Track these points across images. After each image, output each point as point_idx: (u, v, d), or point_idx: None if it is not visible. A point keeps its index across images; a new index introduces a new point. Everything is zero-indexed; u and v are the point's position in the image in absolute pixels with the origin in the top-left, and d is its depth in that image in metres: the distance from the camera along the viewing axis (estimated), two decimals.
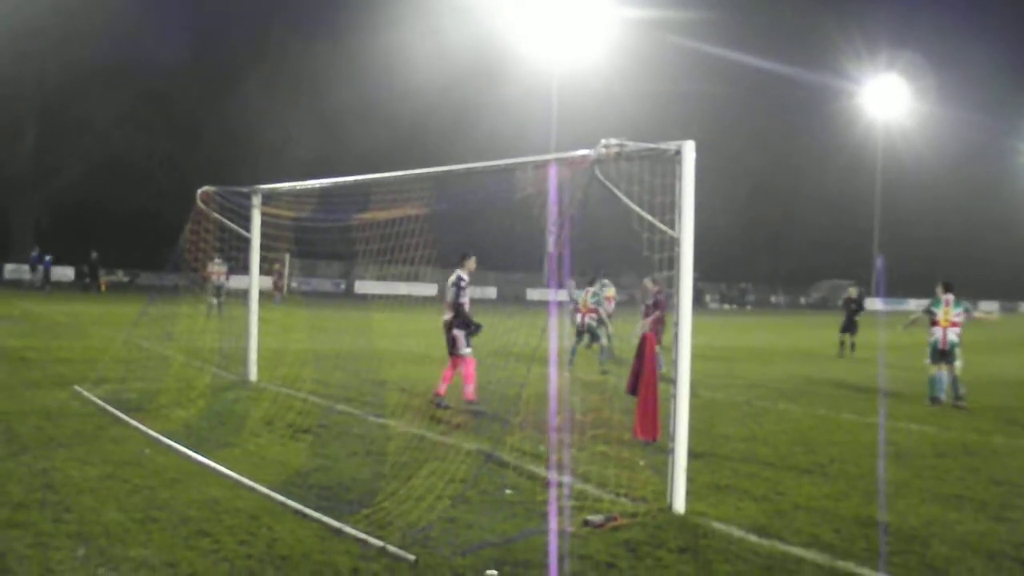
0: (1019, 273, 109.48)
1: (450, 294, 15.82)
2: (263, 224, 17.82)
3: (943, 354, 18.49)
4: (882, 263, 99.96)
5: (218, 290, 33.87)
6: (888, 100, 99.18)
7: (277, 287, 36.33)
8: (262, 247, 17.97)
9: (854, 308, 32.26)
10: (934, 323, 18.69)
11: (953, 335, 18.42)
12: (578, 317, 23.34)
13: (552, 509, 9.30)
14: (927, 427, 15.86)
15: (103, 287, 57.27)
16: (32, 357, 20.31)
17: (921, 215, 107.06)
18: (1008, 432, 15.66)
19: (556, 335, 22.26)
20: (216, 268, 33.01)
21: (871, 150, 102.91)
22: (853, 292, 34.19)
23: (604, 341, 23.26)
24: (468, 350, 15.70)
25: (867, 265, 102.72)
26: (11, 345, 22.63)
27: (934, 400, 18.48)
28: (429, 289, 63.30)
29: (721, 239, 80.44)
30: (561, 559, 7.86)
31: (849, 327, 31.79)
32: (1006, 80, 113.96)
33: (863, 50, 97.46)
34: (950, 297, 18.68)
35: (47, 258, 56.30)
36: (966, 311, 18.67)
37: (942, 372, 18.50)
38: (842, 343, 31.76)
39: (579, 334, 23.39)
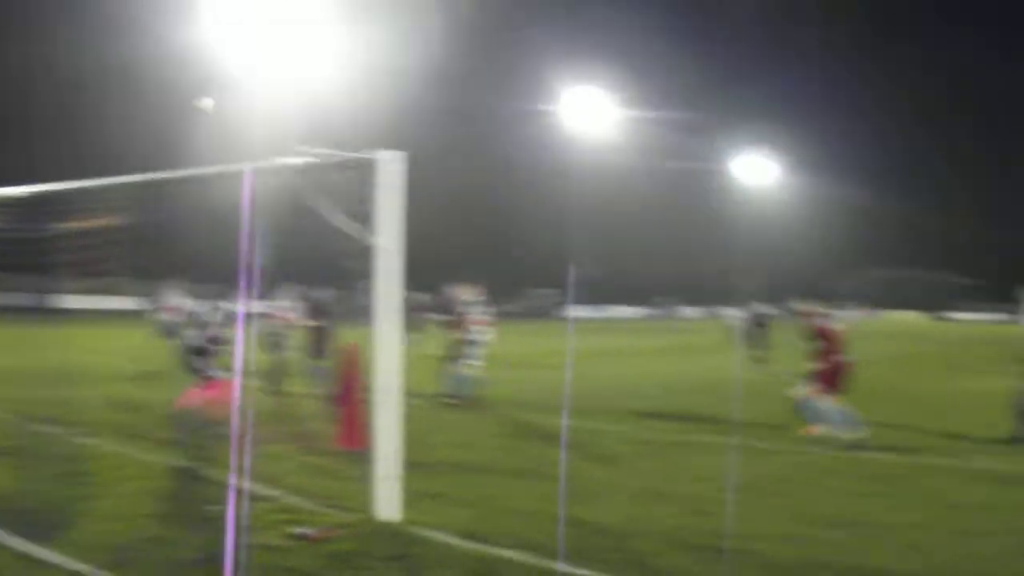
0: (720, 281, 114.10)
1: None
2: None
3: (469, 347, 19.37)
4: (585, 272, 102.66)
5: None
6: (585, 112, 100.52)
7: None
8: None
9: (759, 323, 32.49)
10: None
11: (476, 334, 19.40)
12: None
13: (260, 523, 9.18)
14: (623, 427, 16.49)
15: None
16: None
17: (617, 225, 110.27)
18: (702, 430, 16.40)
19: (246, 346, 21.58)
20: None
21: (569, 162, 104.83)
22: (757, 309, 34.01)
23: None
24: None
25: (567, 274, 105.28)
26: None
27: (456, 398, 19.09)
28: (128, 303, 61.07)
29: (429, 251, 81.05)
30: (267, 573, 7.76)
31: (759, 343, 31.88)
32: (700, 83, 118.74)
33: (561, 63, 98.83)
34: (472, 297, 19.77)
35: None
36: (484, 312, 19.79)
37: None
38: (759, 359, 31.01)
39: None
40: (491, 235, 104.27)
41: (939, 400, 22.58)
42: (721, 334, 44.61)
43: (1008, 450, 15.24)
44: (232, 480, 10.90)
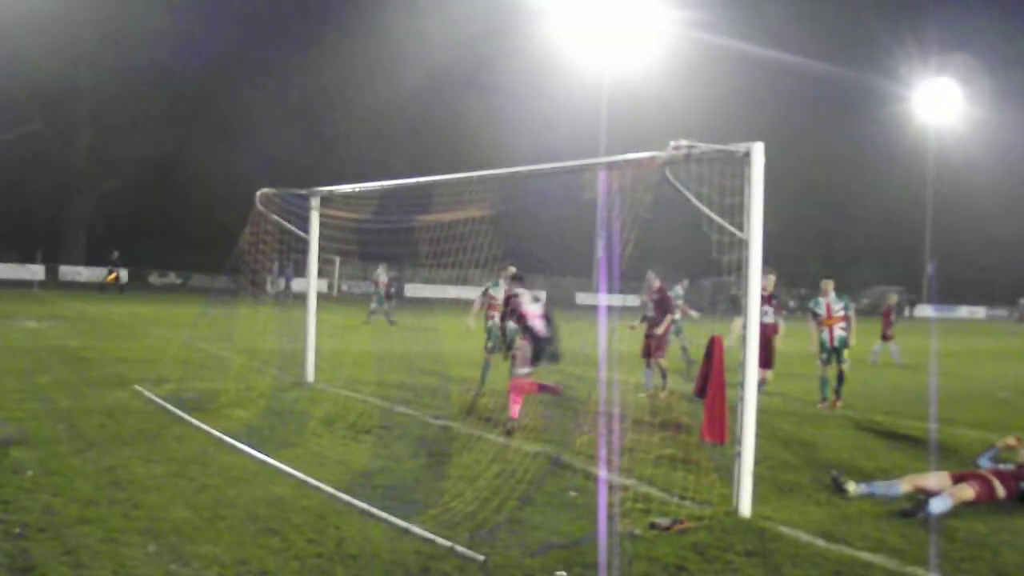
0: None
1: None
2: (321, 226, 17.84)
3: (834, 351, 18.49)
4: (933, 269, 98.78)
5: (384, 297, 35.56)
6: (940, 104, 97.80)
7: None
8: (320, 249, 18.03)
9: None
10: (820, 322, 18.78)
11: (840, 331, 18.51)
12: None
13: (618, 512, 9.28)
14: (973, 432, 15.65)
15: (114, 283, 56.06)
16: (91, 356, 20.48)
17: (974, 221, 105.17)
18: None
19: (607, 338, 21.76)
20: (382, 277, 34.50)
21: (923, 155, 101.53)
22: (893, 299, 33.44)
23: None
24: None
25: (917, 271, 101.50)
26: (70, 345, 22.86)
27: (824, 400, 18.44)
28: (477, 293, 62.83)
29: (771, 243, 79.84)
30: (629, 561, 7.84)
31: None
32: None
33: (914, 53, 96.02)
34: (831, 295, 18.93)
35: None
36: (845, 308, 18.76)
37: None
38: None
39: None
40: (833, 229, 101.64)
41: None
42: None
43: None
44: (601, 472, 11.13)
